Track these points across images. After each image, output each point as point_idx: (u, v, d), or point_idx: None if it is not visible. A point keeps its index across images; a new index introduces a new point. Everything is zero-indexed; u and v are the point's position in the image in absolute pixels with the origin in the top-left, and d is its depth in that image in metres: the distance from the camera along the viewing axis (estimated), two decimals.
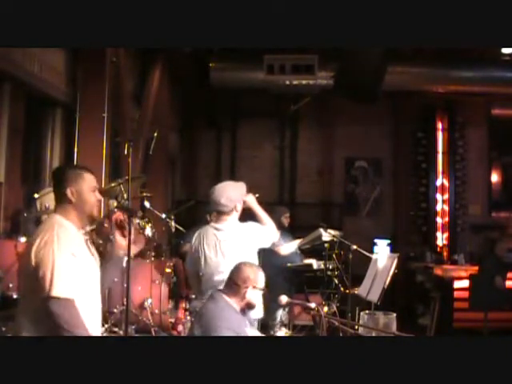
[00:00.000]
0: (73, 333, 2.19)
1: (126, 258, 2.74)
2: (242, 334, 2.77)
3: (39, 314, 2.24)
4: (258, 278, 2.97)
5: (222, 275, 3.37)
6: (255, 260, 3.66)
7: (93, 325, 2.44)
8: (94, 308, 2.47)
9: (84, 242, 2.51)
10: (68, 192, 2.39)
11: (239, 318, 2.92)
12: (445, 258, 8.30)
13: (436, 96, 8.45)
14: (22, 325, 2.32)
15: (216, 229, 3.66)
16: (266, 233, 3.73)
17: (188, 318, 4.81)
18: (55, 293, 2.18)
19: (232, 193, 3.64)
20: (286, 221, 6.05)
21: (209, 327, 2.77)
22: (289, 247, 5.51)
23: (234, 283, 2.93)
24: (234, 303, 2.93)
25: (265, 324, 4.68)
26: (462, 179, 8.79)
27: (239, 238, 3.60)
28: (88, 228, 4.44)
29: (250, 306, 2.98)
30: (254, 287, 2.93)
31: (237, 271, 2.98)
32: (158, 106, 7.29)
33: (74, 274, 2.27)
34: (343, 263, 5.35)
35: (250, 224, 3.71)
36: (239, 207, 3.68)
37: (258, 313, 3.31)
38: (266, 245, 3.79)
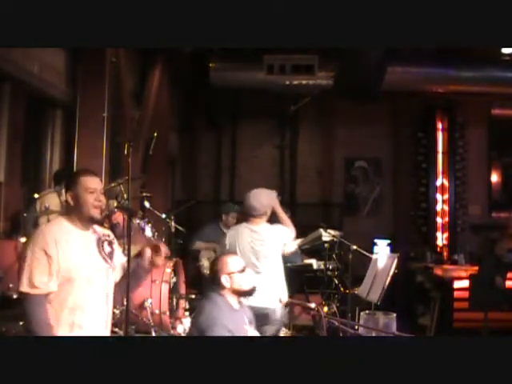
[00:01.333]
0: (31, 329, 2.29)
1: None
2: (239, 331, 2.78)
3: None
4: (228, 264, 3.00)
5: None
6: (279, 258, 4.20)
7: (94, 322, 2.47)
8: (94, 306, 2.49)
9: (95, 243, 2.56)
10: (68, 197, 2.52)
11: (235, 316, 2.93)
12: (445, 258, 8.29)
13: (436, 96, 8.45)
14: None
15: (251, 230, 4.12)
16: (289, 234, 4.25)
17: (188, 318, 4.81)
18: (21, 288, 2.36)
19: (264, 199, 4.15)
20: None
21: (205, 326, 2.78)
22: (290, 247, 5.55)
23: (213, 278, 2.99)
24: (228, 298, 2.95)
25: None
26: (462, 179, 8.78)
27: (271, 239, 4.12)
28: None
29: (241, 293, 3.00)
30: (229, 273, 2.96)
31: (211, 268, 3.10)
32: (157, 106, 7.28)
33: (47, 271, 2.36)
34: (343, 263, 5.35)
35: (278, 227, 4.20)
36: (269, 212, 4.18)
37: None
38: (287, 243, 4.31)
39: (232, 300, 2.96)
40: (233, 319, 2.87)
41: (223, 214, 5.99)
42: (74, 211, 2.51)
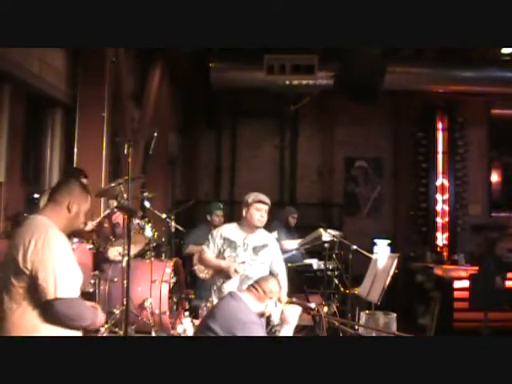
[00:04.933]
0: (87, 326, 2.34)
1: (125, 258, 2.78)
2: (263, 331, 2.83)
3: (42, 314, 2.28)
4: (283, 294, 3.09)
5: None
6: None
7: None
8: None
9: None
10: (73, 206, 2.50)
11: (257, 317, 2.96)
12: (445, 258, 8.29)
13: (436, 96, 8.45)
14: (18, 325, 2.32)
15: None
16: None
17: (188, 318, 4.81)
18: (60, 294, 2.24)
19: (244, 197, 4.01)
20: (292, 221, 6.21)
21: (235, 322, 2.79)
22: (291, 243, 5.66)
23: (262, 290, 2.99)
24: (252, 306, 2.95)
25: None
26: (462, 179, 8.79)
27: None
28: (89, 227, 4.46)
29: (262, 315, 3.03)
30: (275, 302, 3.01)
31: (268, 281, 3.08)
32: (158, 106, 7.28)
33: (74, 273, 2.35)
34: (343, 263, 5.35)
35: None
36: (244, 210, 3.91)
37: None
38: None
39: (253, 307, 2.97)
40: (257, 317, 2.93)
41: (208, 214, 5.97)
42: (66, 218, 2.50)
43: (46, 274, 2.24)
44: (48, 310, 2.25)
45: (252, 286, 3.09)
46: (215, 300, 3.79)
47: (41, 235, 2.32)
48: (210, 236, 3.99)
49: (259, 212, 3.84)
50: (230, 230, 3.93)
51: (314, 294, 5.63)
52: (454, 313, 6.55)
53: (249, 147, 9.55)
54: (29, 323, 2.29)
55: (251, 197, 3.89)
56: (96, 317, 2.44)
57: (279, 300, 3.06)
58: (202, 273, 5.62)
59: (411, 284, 7.88)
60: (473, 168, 8.92)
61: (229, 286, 3.77)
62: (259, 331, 2.82)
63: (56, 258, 2.28)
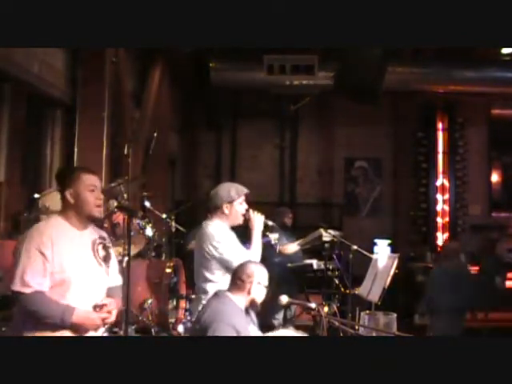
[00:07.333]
0: (53, 322, 2.31)
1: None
2: (243, 333, 2.77)
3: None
4: (263, 274, 2.98)
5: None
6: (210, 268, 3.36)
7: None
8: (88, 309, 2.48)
9: (90, 244, 2.53)
10: (67, 194, 2.46)
11: (242, 317, 2.92)
12: None
13: (436, 96, 8.46)
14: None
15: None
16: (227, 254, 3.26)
17: (188, 317, 4.81)
18: (13, 287, 2.31)
19: (219, 191, 3.40)
20: (288, 221, 6.17)
21: (209, 322, 2.76)
22: (293, 247, 5.63)
23: (239, 279, 2.93)
24: (238, 301, 2.92)
25: (266, 324, 4.67)
26: (462, 179, 8.79)
27: (199, 241, 3.38)
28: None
29: (253, 304, 2.98)
30: (259, 283, 2.94)
31: (242, 267, 3.00)
32: (157, 106, 7.29)
33: (41, 270, 2.32)
34: (344, 263, 5.36)
35: (213, 233, 3.30)
36: (225, 208, 3.35)
37: None
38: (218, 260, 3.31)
39: (240, 302, 2.95)
40: (240, 319, 2.86)
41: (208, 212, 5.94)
42: (73, 209, 2.46)
43: (16, 267, 2.32)
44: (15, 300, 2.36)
45: (231, 279, 3.02)
46: None
47: (29, 231, 2.42)
48: (231, 249, 3.28)
49: (243, 206, 3.34)
50: (228, 230, 3.45)
51: (315, 293, 5.64)
52: None
53: (249, 147, 9.55)
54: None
55: (232, 191, 3.34)
56: (69, 315, 2.32)
57: (280, 301, 3.04)
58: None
59: (411, 284, 7.88)
60: (473, 168, 8.92)
61: None
62: (225, 330, 2.70)
63: (22, 254, 2.32)
